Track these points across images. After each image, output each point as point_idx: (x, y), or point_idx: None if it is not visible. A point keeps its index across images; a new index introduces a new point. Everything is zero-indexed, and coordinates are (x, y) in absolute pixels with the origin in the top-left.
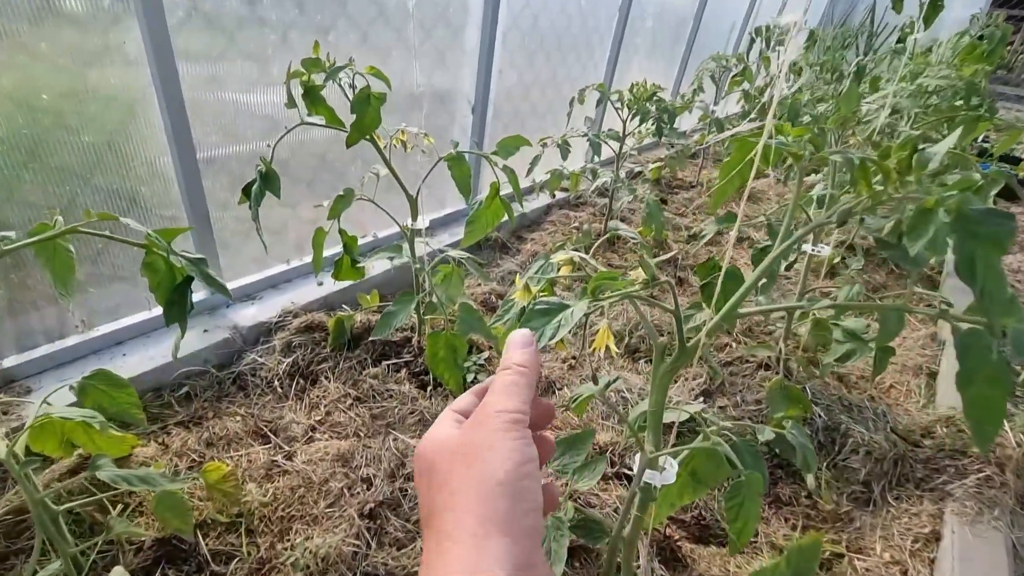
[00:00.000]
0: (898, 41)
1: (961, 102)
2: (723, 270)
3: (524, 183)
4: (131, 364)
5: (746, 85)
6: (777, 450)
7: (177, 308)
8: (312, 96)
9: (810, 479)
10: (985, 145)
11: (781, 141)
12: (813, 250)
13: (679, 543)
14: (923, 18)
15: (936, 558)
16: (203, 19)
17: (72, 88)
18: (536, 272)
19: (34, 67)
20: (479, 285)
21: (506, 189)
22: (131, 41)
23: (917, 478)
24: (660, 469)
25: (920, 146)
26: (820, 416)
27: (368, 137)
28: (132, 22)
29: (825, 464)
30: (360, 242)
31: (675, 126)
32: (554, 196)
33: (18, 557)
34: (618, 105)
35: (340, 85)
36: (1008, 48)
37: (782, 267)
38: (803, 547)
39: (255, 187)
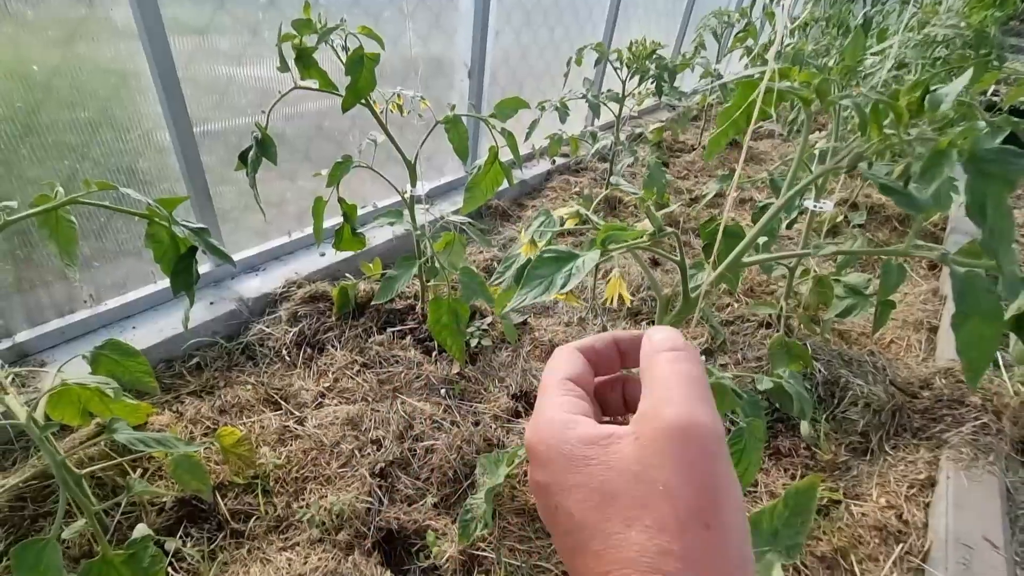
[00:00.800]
0: None
1: (970, 52)
2: (721, 225)
3: (523, 149)
4: (141, 336)
5: (750, 42)
6: (777, 404)
7: (183, 278)
8: (305, 59)
9: (804, 426)
10: (994, 99)
11: (787, 85)
12: (815, 206)
13: None
14: None
15: (931, 502)
16: None
17: (64, 60)
18: (539, 226)
19: (23, 38)
20: (481, 252)
21: (505, 154)
22: (118, 8)
23: (914, 428)
24: None
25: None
26: (820, 371)
27: (364, 101)
28: None
29: (824, 416)
30: (360, 212)
31: (676, 86)
32: (554, 162)
33: (46, 519)
34: (617, 65)
35: (332, 47)
36: None
37: (783, 225)
38: (800, 489)
39: (251, 154)
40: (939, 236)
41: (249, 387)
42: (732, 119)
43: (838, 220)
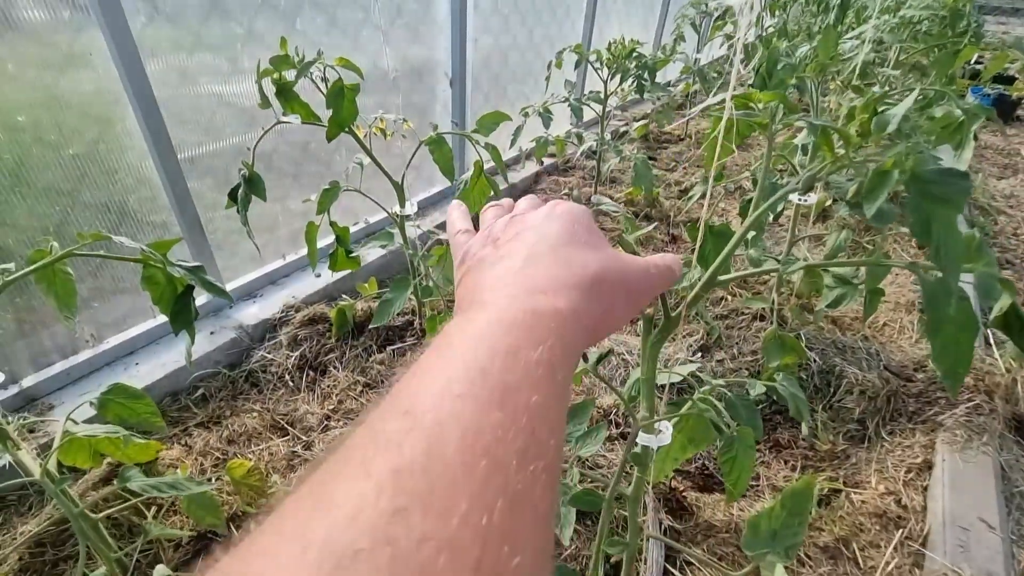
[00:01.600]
0: None
1: (947, 30)
2: (704, 225)
3: (511, 153)
4: (144, 372)
5: (729, 28)
6: (775, 396)
7: (182, 317)
8: (286, 94)
9: (804, 427)
10: (978, 67)
11: (746, 113)
12: (800, 200)
13: (684, 493)
14: None
15: (928, 485)
16: (166, 19)
17: (46, 103)
18: None
19: (3, 86)
20: None
21: (491, 165)
22: (96, 51)
23: (910, 412)
24: (656, 432)
25: (880, 108)
26: (815, 361)
27: (347, 129)
28: (95, 32)
29: (821, 406)
30: (353, 229)
31: (658, 80)
32: (542, 163)
33: (67, 563)
34: (597, 65)
35: (312, 79)
36: None
37: (770, 217)
38: (797, 491)
39: (240, 192)
40: None
41: (255, 414)
42: (716, 147)
43: (827, 205)
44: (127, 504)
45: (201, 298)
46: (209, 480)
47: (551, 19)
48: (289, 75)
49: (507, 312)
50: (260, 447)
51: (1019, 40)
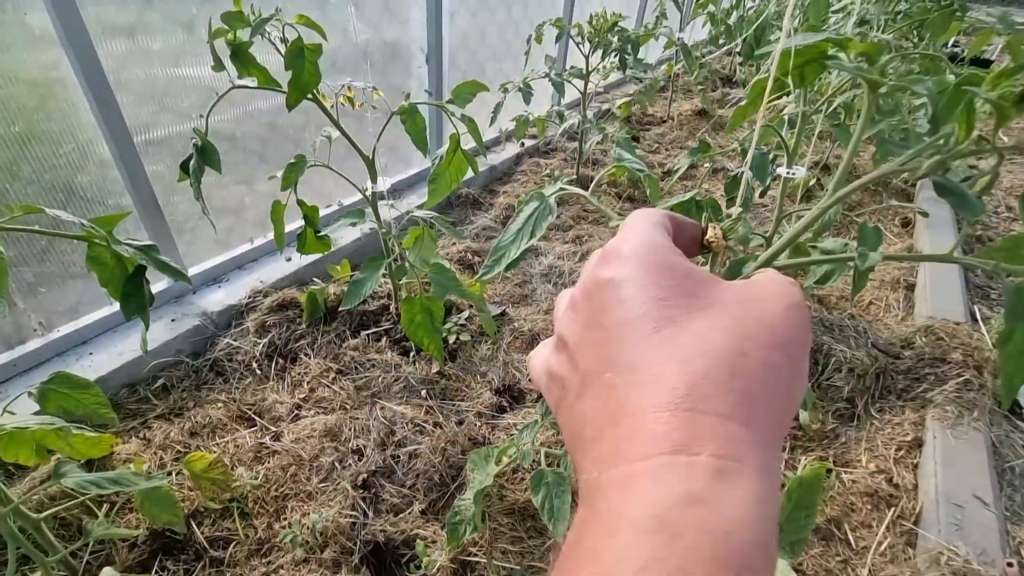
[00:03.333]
0: None
1: (932, 4)
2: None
3: (490, 134)
4: (100, 363)
5: (712, 7)
6: None
7: (134, 300)
8: (241, 56)
9: (803, 415)
10: (956, 50)
11: (857, 66)
12: (788, 173)
13: None
14: None
15: (919, 463)
16: None
17: None
18: (532, 212)
19: None
20: (454, 244)
21: (469, 142)
22: (34, 12)
23: (899, 389)
24: None
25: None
26: None
27: (311, 96)
28: (40, 10)
29: (810, 385)
30: (325, 211)
31: (640, 57)
32: (523, 144)
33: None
34: (578, 40)
35: (270, 40)
36: None
37: (756, 194)
38: (805, 481)
39: (192, 163)
40: (910, 193)
41: (220, 405)
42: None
43: (811, 184)
44: (75, 502)
45: (161, 283)
46: (169, 475)
47: None
48: (244, 34)
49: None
50: (225, 439)
51: (1005, 16)
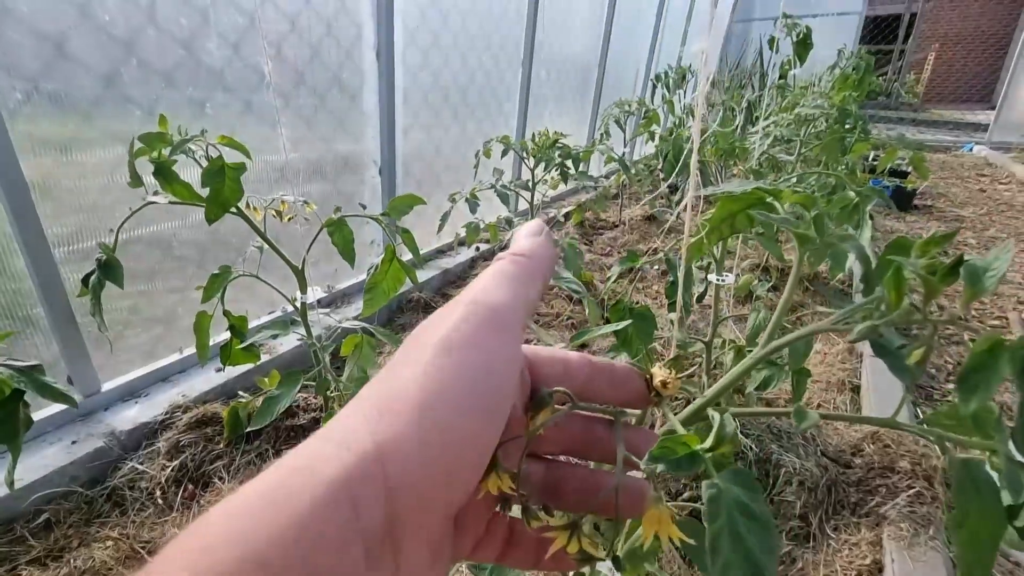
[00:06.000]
0: (780, 77)
1: (837, 126)
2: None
3: (446, 238)
4: None
5: (655, 127)
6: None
7: (5, 428)
8: (165, 173)
9: None
10: (874, 163)
11: (784, 218)
12: (718, 280)
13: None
14: (795, 55)
15: None
16: (47, 100)
17: None
18: None
19: None
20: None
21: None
22: None
23: (852, 503)
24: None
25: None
26: (752, 448)
27: (236, 210)
28: None
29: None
30: (268, 318)
31: (583, 170)
32: (478, 249)
33: None
34: (524, 155)
35: (195, 158)
36: (883, 77)
37: (693, 300)
38: None
39: (93, 278)
40: (848, 292)
41: (110, 544)
42: (716, 228)
43: (753, 284)
44: None
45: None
46: None
47: (485, 115)
48: (167, 153)
49: None
50: None
51: (901, 136)
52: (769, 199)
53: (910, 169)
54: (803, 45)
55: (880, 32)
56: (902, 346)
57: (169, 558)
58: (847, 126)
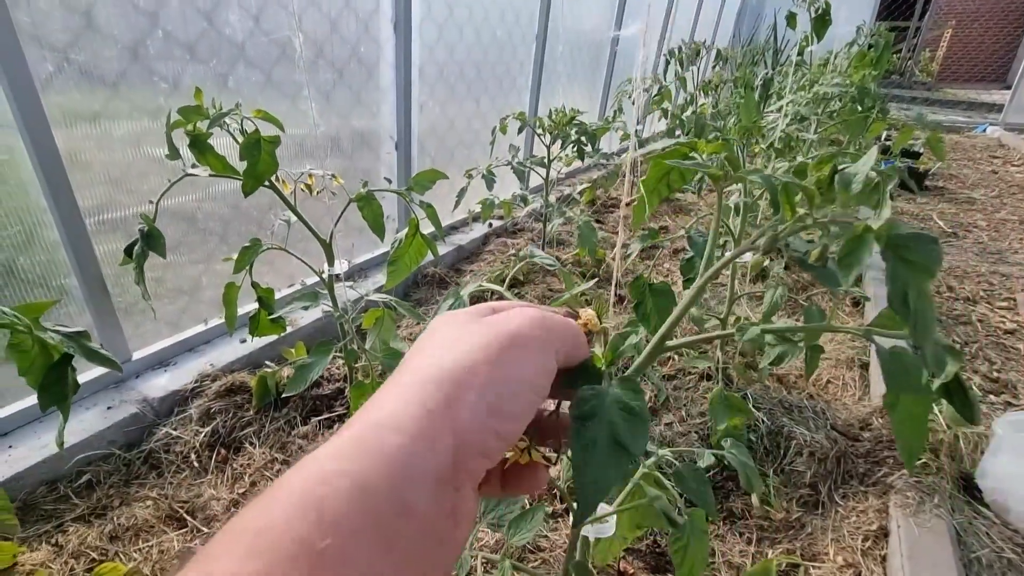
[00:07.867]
0: (798, 54)
1: (855, 105)
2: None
3: (459, 215)
4: (17, 457)
5: (667, 104)
6: (726, 462)
7: (54, 391)
8: (199, 145)
9: (754, 499)
10: (887, 143)
11: (697, 162)
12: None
13: (635, 575)
14: (813, 31)
15: (887, 555)
16: (77, 72)
17: None
18: (449, 308)
19: None
20: (418, 325)
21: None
22: None
23: (860, 473)
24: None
25: (840, 166)
26: (763, 421)
27: (268, 184)
28: None
29: (773, 470)
30: (288, 291)
31: (599, 148)
32: (491, 225)
33: None
34: (540, 132)
35: (229, 132)
36: (897, 55)
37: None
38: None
39: (137, 248)
40: (861, 274)
41: (149, 503)
42: (655, 189)
43: (765, 264)
44: None
45: (97, 370)
46: None
47: (498, 90)
48: (202, 126)
49: None
50: (149, 543)
51: (920, 115)
52: (691, 152)
53: (922, 150)
54: (821, 21)
55: (897, 8)
56: (806, 253)
57: (296, 471)
58: (867, 105)
